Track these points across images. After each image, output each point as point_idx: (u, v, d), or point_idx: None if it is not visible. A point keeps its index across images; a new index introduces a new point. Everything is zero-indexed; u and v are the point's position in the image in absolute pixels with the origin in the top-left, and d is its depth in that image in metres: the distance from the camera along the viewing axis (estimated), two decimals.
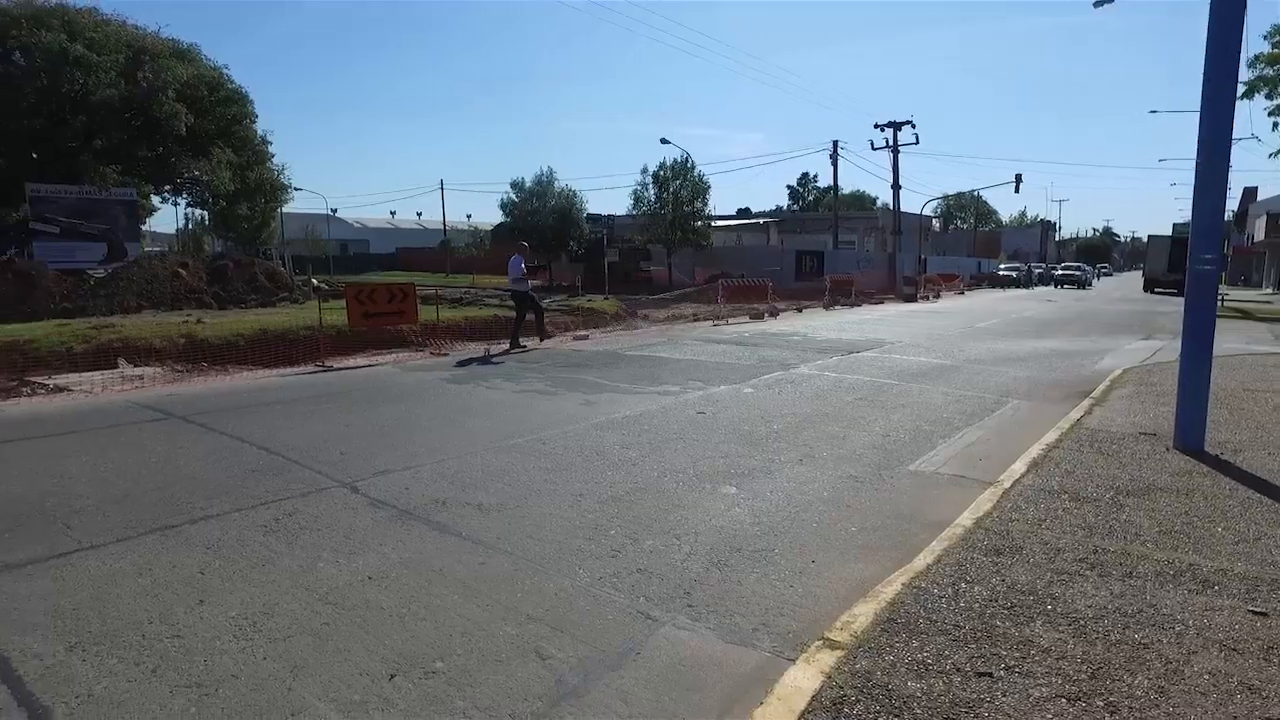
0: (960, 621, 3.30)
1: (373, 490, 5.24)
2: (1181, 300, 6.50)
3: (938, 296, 35.56)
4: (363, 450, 6.34)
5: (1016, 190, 39.38)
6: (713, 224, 40.17)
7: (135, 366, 10.76)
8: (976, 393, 9.37)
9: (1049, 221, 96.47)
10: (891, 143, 38.39)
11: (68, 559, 4.06)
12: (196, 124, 25.92)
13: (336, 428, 7.21)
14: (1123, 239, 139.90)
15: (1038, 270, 59.29)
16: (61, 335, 11.62)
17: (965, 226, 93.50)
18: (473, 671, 3.03)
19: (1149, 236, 47.61)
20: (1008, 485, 5.31)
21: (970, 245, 75.87)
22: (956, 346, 14.41)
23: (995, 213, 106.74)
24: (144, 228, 33.34)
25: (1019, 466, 5.82)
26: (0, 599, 3.59)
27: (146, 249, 29.95)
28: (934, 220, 75.27)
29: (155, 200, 32.66)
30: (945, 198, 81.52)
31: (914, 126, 37.92)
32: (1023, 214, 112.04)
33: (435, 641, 3.25)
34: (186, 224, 48.81)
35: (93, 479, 5.47)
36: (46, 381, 9.57)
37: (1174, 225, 49.45)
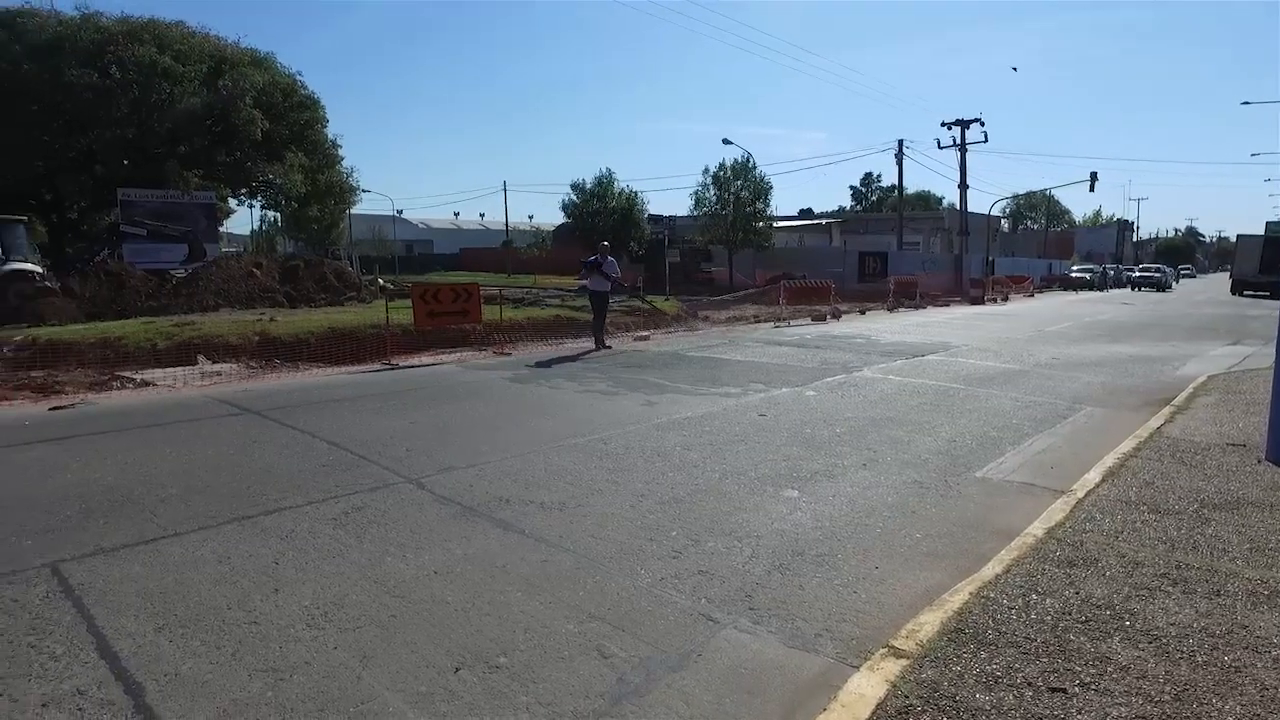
0: (1031, 634, 3.20)
1: (438, 487, 5.36)
2: (1275, 304, 6.18)
3: (1006, 299, 34.53)
4: (428, 447, 6.48)
5: (1091, 189, 37.99)
6: (774, 225, 39.80)
7: (213, 363, 11.23)
8: (1047, 399, 9.07)
9: (1126, 221, 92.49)
10: (959, 141, 37.48)
11: (155, 545, 4.26)
12: (271, 129, 26.92)
13: (402, 424, 7.39)
14: (1208, 239, 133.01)
15: (1112, 272, 56.90)
16: (147, 332, 12.21)
17: (1036, 227, 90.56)
18: (535, 667, 3.07)
19: (1238, 236, 45.15)
20: (1081, 495, 5.13)
21: (1041, 246, 73.54)
22: (1025, 351, 13.98)
23: (1068, 212, 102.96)
24: (221, 229, 34.80)
25: (1093, 476, 5.61)
26: (98, 581, 3.79)
27: (223, 250, 31.22)
28: (1002, 220, 73.17)
29: (232, 203, 34.07)
30: (1015, 197, 78.97)
31: (983, 124, 36.94)
32: (1097, 213, 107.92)
33: (499, 637, 3.31)
34: (261, 225, 50.81)
35: (176, 470, 5.73)
36: (134, 376, 10.06)
37: (1267, 224, 46.79)
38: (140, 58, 23.72)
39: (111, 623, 3.37)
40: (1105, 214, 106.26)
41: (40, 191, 26.34)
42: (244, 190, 32.11)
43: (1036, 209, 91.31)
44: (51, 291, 17.56)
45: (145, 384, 9.69)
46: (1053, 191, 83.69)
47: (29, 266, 19.11)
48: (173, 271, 21.42)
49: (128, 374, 10.19)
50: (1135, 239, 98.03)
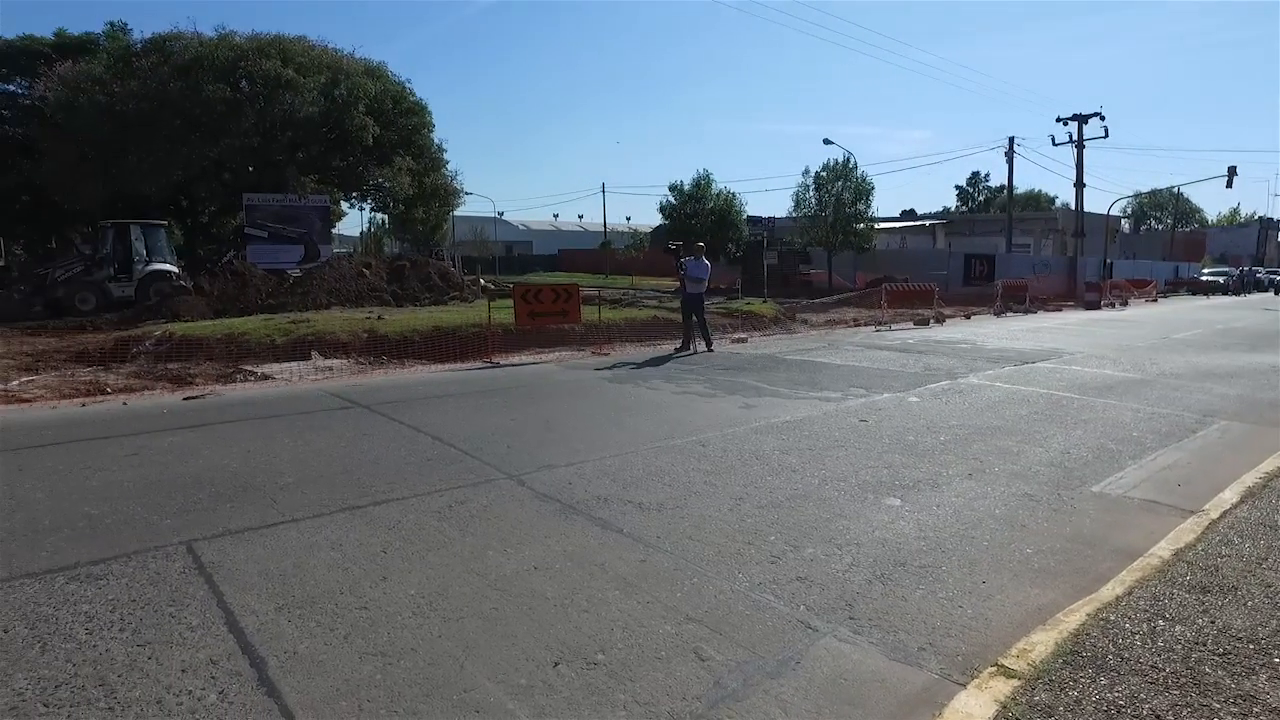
0: (1158, 663, 2.99)
1: (537, 484, 5.47)
2: None
3: (1125, 304, 32.47)
4: (528, 445, 6.63)
5: (1229, 185, 35.18)
6: (875, 226, 38.75)
7: (325, 358, 11.84)
8: (1173, 411, 8.47)
9: (1269, 219, 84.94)
10: (1076, 137, 35.54)
11: (274, 529, 4.52)
12: (382, 134, 28.20)
13: (504, 422, 7.58)
14: None
15: (1250, 274, 52.40)
16: (267, 329, 12.99)
17: (1161, 227, 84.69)
18: (632, 666, 3.09)
19: None
20: (1215, 516, 4.77)
21: (1166, 247, 68.68)
22: (1148, 359, 13.08)
23: (1199, 211, 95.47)
24: (333, 231, 36.66)
25: (1229, 495, 5.20)
26: (226, 560, 4.06)
27: (335, 250, 32.87)
28: (1123, 221, 68.89)
29: (344, 205, 35.86)
30: (1137, 195, 74.22)
31: (1103, 118, 34.87)
32: (1234, 211, 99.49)
33: (596, 634, 3.34)
34: (370, 227, 53.25)
35: (293, 459, 6.06)
36: (256, 370, 10.73)
37: None
38: (266, 71, 25.33)
39: (238, 600, 3.60)
40: (1244, 212, 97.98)
41: (178, 198, 28.50)
42: (355, 193, 33.78)
43: (1162, 208, 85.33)
44: (186, 290, 19.01)
45: (265, 377, 10.31)
46: (1182, 188, 77.64)
47: (168, 267, 20.81)
48: (290, 271, 22.74)
49: (250, 367, 10.88)
50: None
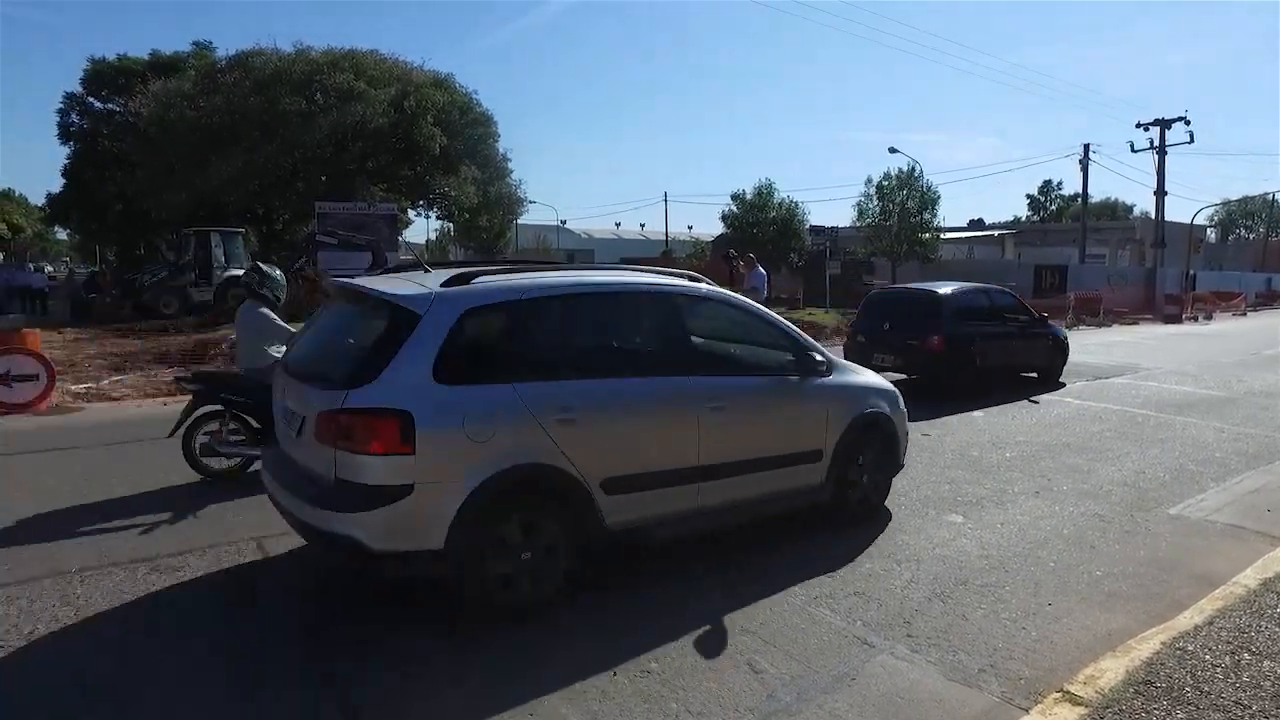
0: (1244, 700, 2.84)
1: None
2: None
3: (1209, 318, 30.91)
4: None
5: None
6: (941, 236, 37.82)
7: None
8: (1262, 431, 8.04)
9: None
10: (1157, 143, 34.03)
11: None
12: (448, 145, 28.80)
13: None
14: None
15: None
16: None
17: (1252, 236, 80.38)
18: (686, 675, 3.09)
19: None
20: None
21: (1258, 257, 65.17)
22: (1234, 376, 12.43)
23: None
24: (400, 238, 37.61)
25: None
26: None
27: (401, 257, 33.70)
28: (1208, 230, 65.69)
29: (411, 214, 36.72)
30: (1225, 203, 70.58)
31: (1188, 123, 33.28)
32: None
33: (649, 642, 3.35)
34: (435, 235, 54.49)
35: None
36: None
37: None
38: (340, 84, 26.22)
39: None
40: None
41: (255, 206, 29.69)
42: (421, 202, 34.53)
43: (1254, 215, 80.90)
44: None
45: None
46: (1276, 194, 72.91)
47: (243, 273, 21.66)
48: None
49: None
50: None
